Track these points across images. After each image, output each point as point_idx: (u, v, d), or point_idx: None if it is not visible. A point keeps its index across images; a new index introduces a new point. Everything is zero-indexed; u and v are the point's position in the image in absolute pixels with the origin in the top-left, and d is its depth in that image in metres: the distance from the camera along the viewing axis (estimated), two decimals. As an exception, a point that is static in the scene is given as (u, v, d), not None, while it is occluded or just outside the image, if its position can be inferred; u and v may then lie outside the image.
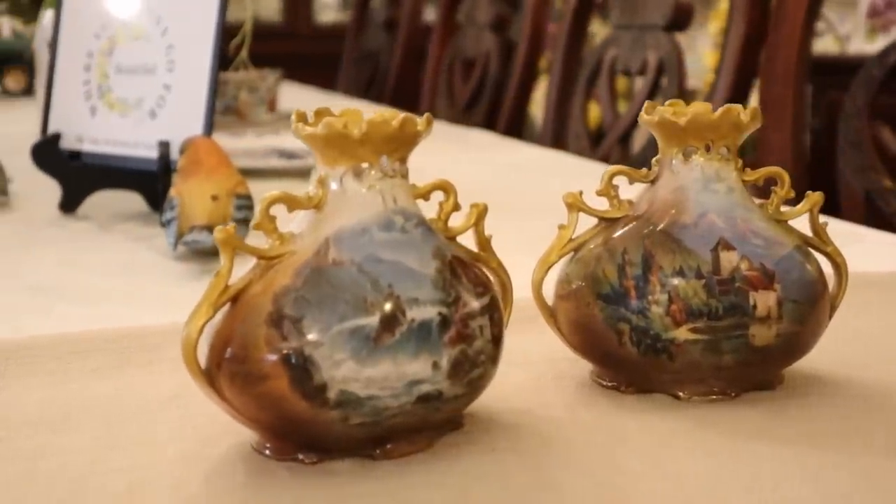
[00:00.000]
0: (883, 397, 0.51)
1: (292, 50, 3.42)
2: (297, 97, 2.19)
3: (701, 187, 0.51)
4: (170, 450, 0.44)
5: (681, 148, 0.51)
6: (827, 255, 0.54)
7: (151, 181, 0.92)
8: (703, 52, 3.02)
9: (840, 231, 0.90)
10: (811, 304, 0.50)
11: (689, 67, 2.86)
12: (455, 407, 0.44)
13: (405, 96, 2.24)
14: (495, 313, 0.46)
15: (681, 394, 0.51)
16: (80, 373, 0.53)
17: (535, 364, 0.55)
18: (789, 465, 0.43)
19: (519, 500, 0.40)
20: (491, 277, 0.49)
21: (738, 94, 1.33)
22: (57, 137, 0.98)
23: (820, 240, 0.53)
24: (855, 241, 0.87)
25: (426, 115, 0.45)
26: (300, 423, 0.42)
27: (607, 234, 0.52)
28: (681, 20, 1.44)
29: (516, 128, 1.80)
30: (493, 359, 0.45)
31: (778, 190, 0.53)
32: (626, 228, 0.51)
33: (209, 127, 0.90)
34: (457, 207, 0.48)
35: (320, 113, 0.46)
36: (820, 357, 0.55)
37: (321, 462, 0.43)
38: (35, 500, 0.40)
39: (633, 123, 1.47)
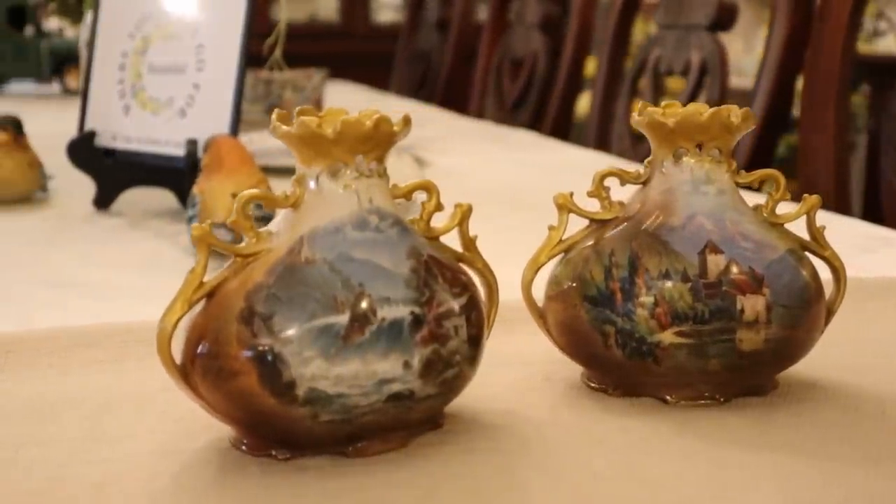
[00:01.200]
0: (876, 406, 0.49)
1: (349, 49, 3.45)
2: (345, 96, 2.20)
3: (690, 189, 0.50)
4: (149, 443, 0.45)
5: (671, 149, 0.51)
6: (825, 259, 0.53)
7: (181, 179, 0.93)
8: (760, 51, 2.97)
9: (875, 236, 0.89)
10: (803, 309, 0.49)
11: (747, 67, 2.82)
12: (429, 406, 0.44)
13: (455, 96, 2.24)
14: (473, 314, 0.46)
15: (668, 397, 0.50)
16: (78, 366, 0.54)
17: (528, 365, 0.55)
18: (763, 473, 0.42)
19: (484, 501, 0.40)
20: (478, 278, 0.50)
21: (781, 95, 1.31)
22: (92, 135, 1.00)
23: (817, 244, 0.53)
24: (886, 246, 0.85)
25: (404, 115, 0.46)
26: (270, 420, 0.42)
27: (597, 235, 0.52)
28: (725, 20, 1.42)
29: (562, 128, 1.79)
30: (471, 359, 0.45)
31: (773, 192, 0.52)
32: (615, 230, 0.51)
33: (235, 126, 0.91)
34: (439, 208, 0.48)
35: (304, 112, 0.47)
36: (819, 363, 0.54)
37: (294, 458, 0.43)
38: (9, 489, 0.41)
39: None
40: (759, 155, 1.31)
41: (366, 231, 0.44)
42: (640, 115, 0.51)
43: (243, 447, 0.45)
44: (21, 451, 0.44)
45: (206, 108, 0.94)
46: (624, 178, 0.52)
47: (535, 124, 1.86)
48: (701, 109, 0.50)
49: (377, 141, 0.44)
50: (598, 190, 0.52)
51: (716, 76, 1.39)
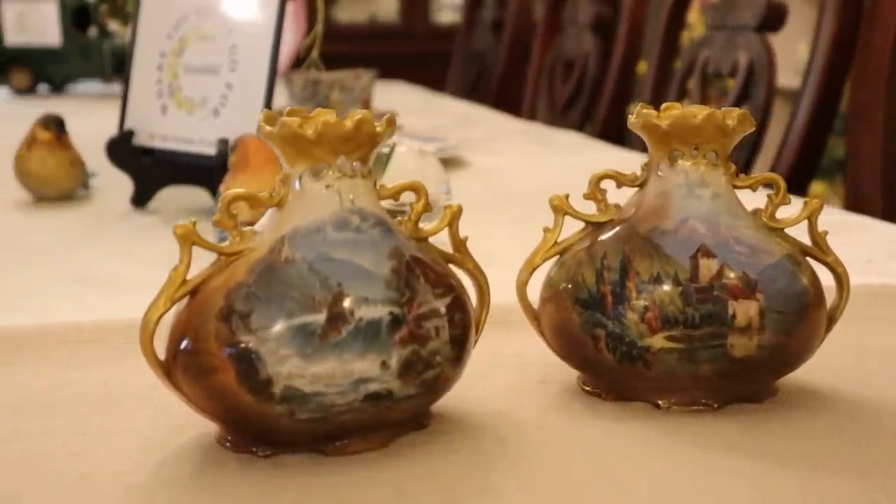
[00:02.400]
0: (872, 418, 0.48)
1: (409, 50, 3.46)
2: (398, 97, 2.21)
3: (685, 192, 0.50)
4: (137, 438, 0.46)
5: (667, 152, 0.50)
6: (827, 265, 0.52)
7: (214, 178, 0.95)
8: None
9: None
10: (799, 316, 0.48)
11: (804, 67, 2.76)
12: (410, 407, 0.44)
13: (508, 97, 2.24)
14: (457, 315, 0.46)
15: (660, 403, 0.50)
16: (81, 360, 0.55)
17: (524, 367, 0.55)
18: (745, 481, 0.42)
19: (454, 502, 0.40)
20: (470, 280, 0.50)
21: (829, 96, 1.28)
22: (130, 134, 1.02)
23: (819, 249, 0.52)
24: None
25: (387, 116, 0.46)
26: (248, 417, 0.43)
27: (592, 238, 0.51)
28: (773, 20, 1.40)
29: (612, 130, 1.78)
30: (454, 360, 0.45)
31: (773, 196, 0.51)
32: (609, 233, 0.51)
33: (266, 125, 0.92)
34: (427, 208, 0.48)
35: (293, 112, 0.47)
36: (820, 370, 0.53)
37: (274, 456, 0.44)
38: (-7, 479, 0.42)
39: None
40: (805, 156, 1.28)
41: (346, 231, 0.44)
42: (636, 116, 0.51)
43: (227, 444, 0.45)
44: (11, 444, 0.45)
45: (238, 107, 0.95)
46: (620, 181, 0.52)
47: (584, 126, 1.85)
48: (696, 111, 0.50)
49: (359, 142, 0.44)
50: (594, 192, 0.52)
51: (762, 77, 1.37)
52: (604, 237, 0.50)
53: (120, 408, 0.49)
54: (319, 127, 0.44)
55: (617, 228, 0.50)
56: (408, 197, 0.83)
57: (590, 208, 0.52)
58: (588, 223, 0.52)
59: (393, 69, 3.08)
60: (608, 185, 0.52)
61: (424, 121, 1.83)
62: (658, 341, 0.48)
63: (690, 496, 0.41)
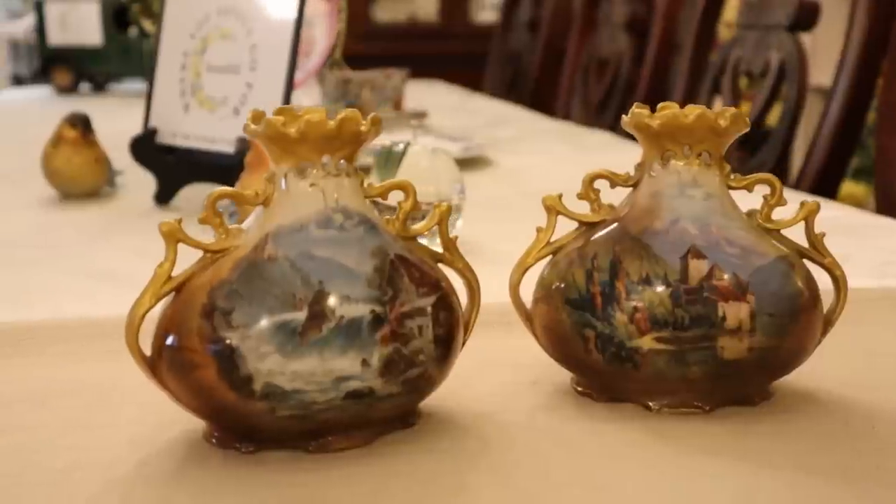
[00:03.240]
0: (865, 423, 0.48)
1: (448, 50, 3.46)
2: (433, 97, 2.21)
3: (677, 193, 0.49)
4: (126, 432, 0.47)
5: (660, 152, 0.50)
6: (824, 267, 0.51)
7: (234, 176, 0.96)
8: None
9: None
10: (792, 318, 0.48)
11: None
12: (393, 405, 0.45)
13: (544, 96, 2.24)
14: (442, 314, 0.46)
15: (651, 404, 0.49)
16: (83, 355, 0.56)
17: (519, 367, 0.55)
18: (726, 484, 0.41)
19: (427, 501, 0.40)
20: (460, 280, 0.50)
21: (860, 96, 1.26)
22: (153, 133, 1.03)
23: (816, 251, 0.51)
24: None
25: (372, 115, 0.46)
26: (230, 413, 0.43)
27: (585, 238, 0.51)
28: (806, 20, 1.38)
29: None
30: (438, 360, 0.45)
31: (769, 198, 0.51)
32: (601, 233, 0.50)
33: (284, 124, 0.93)
34: (416, 207, 0.48)
35: (282, 111, 0.47)
36: (818, 374, 0.53)
37: (257, 452, 0.44)
38: (-22, 472, 0.43)
39: (754, 128, 1.42)
40: (836, 156, 1.27)
41: (329, 229, 0.44)
42: (629, 116, 0.50)
43: (213, 440, 0.45)
44: (2, 438, 0.46)
45: (258, 106, 0.95)
46: (614, 181, 0.52)
47: (617, 125, 1.84)
48: (688, 111, 0.49)
49: (343, 140, 0.45)
50: (587, 192, 0.52)
51: (793, 77, 1.35)
52: (596, 237, 0.50)
53: (112, 402, 0.50)
54: (303, 126, 0.44)
55: (609, 228, 0.50)
56: (425, 197, 0.83)
57: (585, 208, 0.52)
58: (581, 223, 0.52)
59: (432, 69, 3.08)
60: (603, 184, 0.51)
61: (456, 120, 1.83)
62: (647, 342, 0.47)
63: (668, 498, 0.40)
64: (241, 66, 0.97)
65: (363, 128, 0.45)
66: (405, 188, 0.48)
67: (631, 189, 0.51)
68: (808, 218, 0.51)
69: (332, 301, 0.43)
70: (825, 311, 0.51)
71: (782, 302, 0.48)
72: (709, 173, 0.50)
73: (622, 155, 1.44)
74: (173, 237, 0.44)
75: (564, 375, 0.53)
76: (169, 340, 0.43)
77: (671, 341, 0.47)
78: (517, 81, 2.43)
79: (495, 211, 1.02)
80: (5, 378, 0.53)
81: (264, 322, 0.42)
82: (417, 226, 0.48)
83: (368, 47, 3.43)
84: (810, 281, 0.49)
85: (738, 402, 0.49)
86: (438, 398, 0.50)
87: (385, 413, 0.45)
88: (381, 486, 0.41)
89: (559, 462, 0.44)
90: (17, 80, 3.75)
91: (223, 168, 0.97)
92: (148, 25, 1.88)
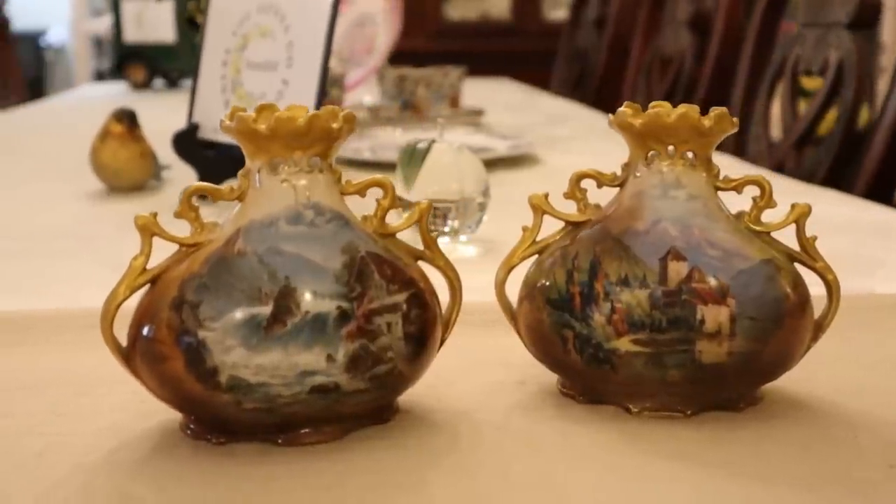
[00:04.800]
0: (848, 432, 0.46)
1: (520, 47, 3.45)
2: (493, 94, 2.21)
3: (659, 193, 0.49)
4: (106, 420, 0.48)
5: (644, 151, 0.49)
6: (816, 271, 0.50)
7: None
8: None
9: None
10: (776, 323, 0.47)
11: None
12: (361, 401, 0.45)
13: (608, 95, 2.22)
14: (415, 312, 0.46)
15: (631, 407, 0.49)
16: (88, 344, 0.57)
17: (507, 367, 0.54)
18: (679, 489, 0.41)
19: (382, 496, 0.41)
20: (442, 278, 0.50)
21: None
22: (195, 128, 1.05)
23: (807, 255, 0.50)
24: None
25: (345, 112, 0.46)
26: (198, 405, 0.44)
27: (570, 237, 0.51)
28: (866, 18, 1.34)
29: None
30: (409, 357, 0.45)
31: (758, 199, 0.50)
32: (585, 233, 0.50)
33: (317, 121, 0.93)
34: (394, 204, 0.48)
35: (263, 108, 0.48)
36: (811, 381, 0.52)
37: (228, 444, 0.45)
38: (-42, 455, 0.44)
39: (809, 128, 1.39)
40: (890, 160, 1.23)
41: (299, 225, 0.45)
42: (615, 115, 0.50)
43: (188, 431, 0.46)
44: (-12, 423, 0.47)
45: (292, 102, 0.96)
46: (600, 181, 0.51)
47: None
48: (671, 111, 0.48)
49: (314, 137, 0.45)
50: (574, 191, 0.51)
51: (852, 76, 1.32)
52: (579, 237, 0.50)
53: (101, 391, 0.51)
54: (273, 122, 0.44)
55: (592, 229, 0.50)
56: (448, 195, 0.83)
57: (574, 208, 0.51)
58: (567, 223, 0.51)
59: (503, 67, 3.09)
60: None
61: (514, 118, 1.82)
62: (624, 344, 0.47)
63: (621, 502, 0.40)
64: (278, 62, 0.99)
65: (335, 125, 0.45)
66: (384, 185, 0.48)
67: (618, 189, 0.51)
68: (799, 220, 0.49)
69: (297, 296, 0.43)
70: (818, 316, 0.50)
71: (765, 306, 0.47)
72: (693, 174, 0.49)
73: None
74: (148, 231, 0.45)
75: (552, 376, 0.52)
76: (142, 331, 0.44)
77: (648, 343, 0.46)
78: (583, 79, 2.41)
79: (528, 209, 1.01)
80: (6, 366, 0.55)
81: (230, 316, 0.43)
82: (396, 223, 0.48)
83: (440, 45, 3.44)
84: (799, 285, 0.48)
85: (721, 406, 0.49)
86: (420, 395, 0.50)
87: (354, 409, 0.45)
88: (338, 480, 0.42)
89: (523, 462, 0.43)
90: (99, 76, 3.85)
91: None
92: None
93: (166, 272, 0.45)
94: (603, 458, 0.44)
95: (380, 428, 0.47)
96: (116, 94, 2.43)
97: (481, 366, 0.55)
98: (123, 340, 0.45)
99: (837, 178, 1.31)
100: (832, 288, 0.50)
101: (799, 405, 0.49)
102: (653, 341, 0.46)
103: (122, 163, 1.08)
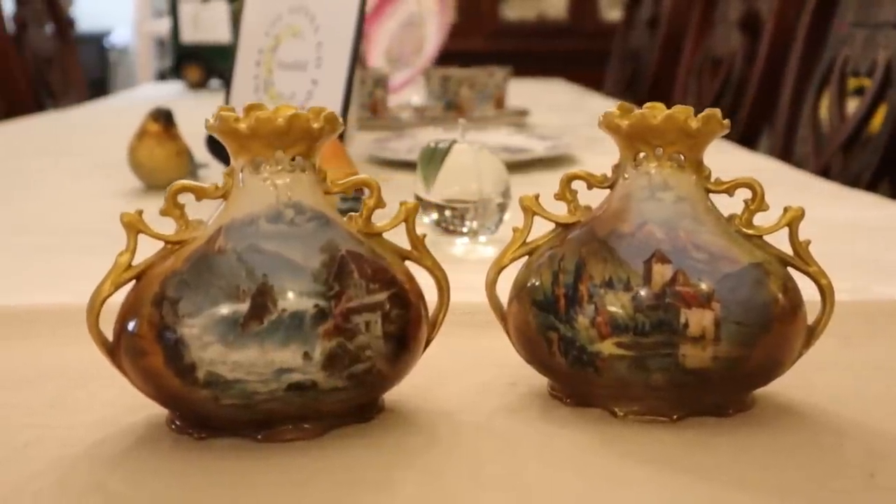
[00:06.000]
0: (834, 439, 0.45)
1: (577, 47, 3.44)
2: (543, 95, 2.21)
3: (646, 195, 0.48)
4: (95, 414, 0.49)
5: (632, 153, 0.49)
6: (809, 276, 0.49)
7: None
8: None
9: None
10: (763, 328, 0.46)
11: None
12: (339, 400, 0.45)
13: (660, 96, 2.20)
14: (395, 311, 0.46)
15: (617, 410, 0.48)
16: (79, 339, 0.58)
17: (500, 368, 0.54)
18: (649, 493, 0.40)
19: (348, 494, 0.41)
20: (430, 278, 0.50)
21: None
22: (228, 127, 1.06)
23: (801, 259, 0.49)
24: None
25: (326, 112, 0.46)
26: (178, 400, 0.44)
27: (559, 239, 0.50)
28: (915, 17, 1.31)
29: (753, 133, 1.71)
30: (388, 356, 0.45)
31: (749, 202, 0.49)
32: (572, 235, 0.50)
33: (343, 119, 0.94)
34: (380, 204, 0.48)
35: (251, 108, 0.48)
36: (808, 388, 0.51)
37: (209, 439, 0.45)
38: (-54, 445, 0.45)
39: (857, 131, 1.36)
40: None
41: (279, 224, 0.45)
42: (602, 116, 0.50)
43: (173, 426, 0.47)
44: (-17, 414, 0.49)
45: (320, 103, 0.97)
46: (590, 182, 0.51)
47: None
48: (658, 112, 0.48)
49: (294, 137, 0.45)
50: (564, 193, 0.51)
51: (899, 78, 1.29)
52: (568, 239, 0.49)
53: (95, 385, 0.52)
54: (253, 122, 0.45)
55: (580, 231, 0.49)
56: (467, 195, 0.83)
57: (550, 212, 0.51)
58: (557, 224, 0.51)
59: (559, 67, 3.07)
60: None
61: (559, 119, 1.81)
62: (607, 347, 0.46)
63: (585, 503, 0.40)
64: (307, 62, 1.00)
65: (315, 125, 0.46)
66: (369, 185, 0.48)
67: (609, 191, 0.50)
68: (792, 224, 0.49)
69: (275, 294, 0.43)
70: (812, 321, 0.49)
71: (752, 311, 0.46)
72: (682, 176, 0.48)
73: (714, 157, 1.40)
74: (133, 228, 0.46)
75: (544, 378, 0.52)
76: (126, 327, 0.45)
77: (631, 347, 0.46)
78: (635, 80, 2.40)
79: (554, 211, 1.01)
80: (9, 358, 0.56)
81: (208, 312, 0.43)
82: (382, 223, 0.48)
83: (497, 45, 3.44)
84: (790, 290, 0.47)
85: (709, 412, 0.48)
86: (408, 395, 0.50)
87: (333, 407, 0.45)
88: (310, 477, 0.42)
89: (497, 464, 0.43)
90: (161, 76, 3.92)
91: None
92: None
93: (151, 269, 0.46)
94: (577, 461, 0.43)
95: (361, 426, 0.47)
96: (173, 93, 2.47)
97: (475, 366, 0.55)
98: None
99: (883, 180, 1.28)
100: (826, 293, 0.49)
101: (790, 412, 0.49)
102: (636, 344, 0.46)
103: (158, 161, 1.10)
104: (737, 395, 0.48)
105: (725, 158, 1.40)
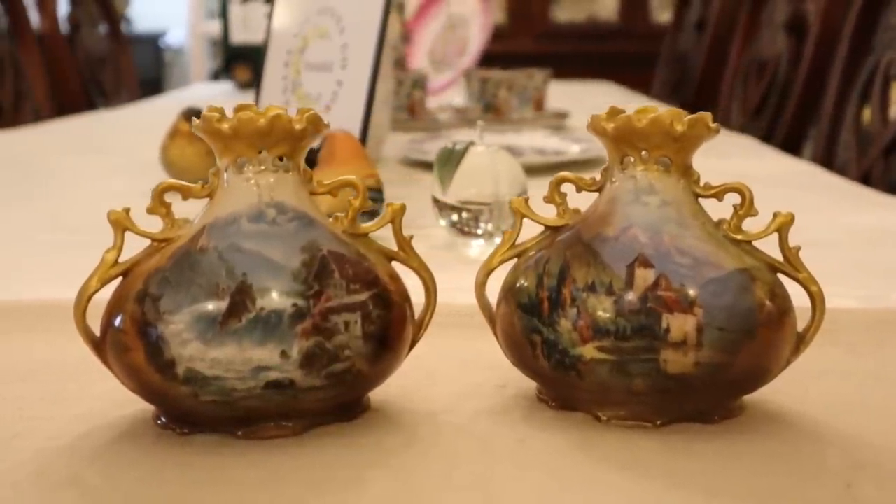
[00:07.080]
0: (817, 448, 0.45)
1: (627, 49, 3.41)
2: (586, 97, 2.19)
3: (631, 199, 0.48)
4: (84, 407, 0.49)
5: (619, 156, 0.49)
6: (799, 282, 0.48)
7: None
8: None
9: None
10: (747, 335, 0.45)
11: None
12: (318, 398, 0.45)
13: (706, 99, 2.18)
14: (376, 311, 0.46)
15: (600, 415, 0.48)
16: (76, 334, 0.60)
17: (490, 370, 0.54)
18: (617, 498, 0.40)
19: (318, 492, 0.41)
20: (417, 279, 0.50)
21: None
22: (257, 127, 1.07)
23: (790, 265, 0.48)
24: None
25: (308, 113, 0.47)
26: (159, 395, 0.45)
27: (547, 242, 0.50)
28: (959, 20, 1.28)
29: (796, 137, 1.69)
30: (368, 356, 0.46)
31: (738, 208, 0.48)
32: (559, 238, 0.49)
33: (366, 120, 0.95)
34: (364, 205, 0.49)
35: (240, 108, 0.49)
36: (802, 396, 0.50)
37: (191, 434, 0.46)
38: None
39: (898, 134, 1.33)
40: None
41: (260, 223, 0.45)
42: (589, 120, 0.49)
43: (158, 421, 0.48)
44: (-24, 406, 0.50)
45: (345, 103, 0.98)
46: (579, 185, 0.51)
47: (771, 131, 1.77)
48: (643, 115, 0.48)
49: (276, 137, 0.46)
50: (553, 195, 0.51)
51: (941, 82, 1.26)
52: (555, 242, 0.49)
53: (89, 378, 0.53)
54: (235, 122, 0.45)
55: (567, 233, 0.49)
56: (483, 197, 0.83)
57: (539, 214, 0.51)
58: (546, 227, 0.51)
59: (609, 69, 3.06)
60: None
61: (600, 121, 1.80)
62: (589, 351, 0.46)
63: (552, 510, 0.39)
64: (333, 63, 1.00)
65: (298, 125, 0.46)
66: (355, 186, 0.48)
67: (598, 194, 0.50)
68: (782, 230, 0.48)
69: (253, 293, 0.44)
70: (802, 328, 0.48)
71: (736, 317, 0.45)
72: (668, 180, 0.48)
73: (753, 161, 1.39)
74: (120, 225, 0.47)
75: (533, 381, 0.52)
76: (112, 323, 0.46)
77: (612, 351, 0.46)
78: (682, 83, 2.37)
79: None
80: (8, 352, 0.58)
81: (188, 310, 0.44)
82: (368, 224, 0.49)
83: (547, 47, 3.43)
84: (777, 297, 0.47)
85: (695, 418, 0.47)
86: (395, 395, 0.51)
87: (312, 405, 0.46)
88: (281, 475, 0.42)
89: (470, 465, 0.43)
90: (215, 76, 3.97)
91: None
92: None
93: (137, 266, 0.47)
94: (552, 464, 0.43)
95: (343, 425, 0.47)
96: (222, 93, 2.50)
97: (467, 368, 0.55)
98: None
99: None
100: (815, 299, 0.48)
101: (778, 419, 0.48)
102: (617, 349, 0.46)
103: (189, 160, 1.11)
104: (722, 401, 0.48)
105: (761, 163, 1.38)
